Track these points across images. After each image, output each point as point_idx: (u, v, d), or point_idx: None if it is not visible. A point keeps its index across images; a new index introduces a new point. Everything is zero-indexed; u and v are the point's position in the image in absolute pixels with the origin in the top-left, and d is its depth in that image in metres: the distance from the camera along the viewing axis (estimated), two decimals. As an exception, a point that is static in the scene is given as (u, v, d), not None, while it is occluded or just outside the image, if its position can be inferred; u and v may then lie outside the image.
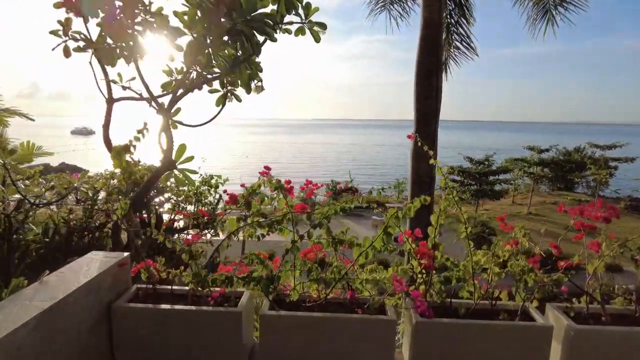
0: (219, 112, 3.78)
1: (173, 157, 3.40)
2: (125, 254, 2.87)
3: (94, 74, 3.28)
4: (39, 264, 3.82)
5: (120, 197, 3.99)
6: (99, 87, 3.53)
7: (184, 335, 2.54)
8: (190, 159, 3.68)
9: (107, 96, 3.47)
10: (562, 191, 28.76)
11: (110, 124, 3.47)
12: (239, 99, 3.87)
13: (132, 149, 3.10)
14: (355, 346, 2.49)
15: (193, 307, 2.57)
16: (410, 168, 7.51)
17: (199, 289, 2.53)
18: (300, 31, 3.27)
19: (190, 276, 2.47)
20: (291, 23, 3.18)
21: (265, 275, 2.50)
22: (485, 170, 23.87)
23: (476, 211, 25.40)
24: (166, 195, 5.83)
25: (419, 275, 2.73)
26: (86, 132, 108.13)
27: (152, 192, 5.57)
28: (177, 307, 2.57)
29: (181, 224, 5.62)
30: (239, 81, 3.58)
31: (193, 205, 5.71)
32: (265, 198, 2.90)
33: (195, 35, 3.02)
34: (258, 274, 2.47)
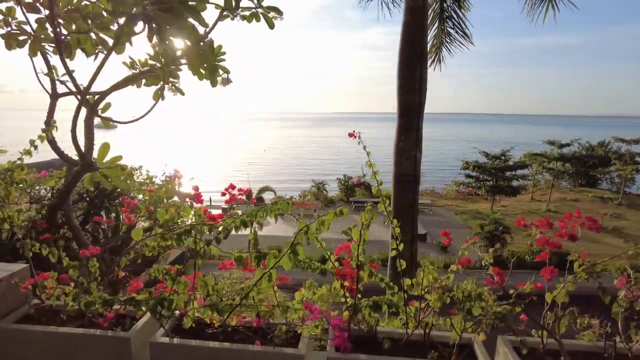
0: (152, 107, 3.43)
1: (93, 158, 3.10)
2: (24, 266, 2.57)
3: (34, 67, 3.05)
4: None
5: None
6: (39, 81, 3.29)
7: (70, 363, 2.23)
8: (118, 159, 3.37)
9: (50, 91, 3.23)
10: (585, 187, 27.43)
11: (52, 119, 3.22)
12: (181, 92, 3.53)
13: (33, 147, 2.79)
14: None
15: (80, 330, 2.25)
16: (393, 166, 7.00)
17: (83, 308, 2.20)
18: (253, 16, 2.90)
19: (71, 297, 2.14)
20: (247, 9, 2.83)
21: (158, 296, 2.15)
22: (501, 165, 22.91)
23: (492, 208, 24.49)
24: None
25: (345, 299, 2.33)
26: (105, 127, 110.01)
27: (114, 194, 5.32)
28: (63, 329, 2.27)
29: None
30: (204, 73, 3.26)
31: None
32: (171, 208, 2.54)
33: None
34: (144, 296, 2.12)
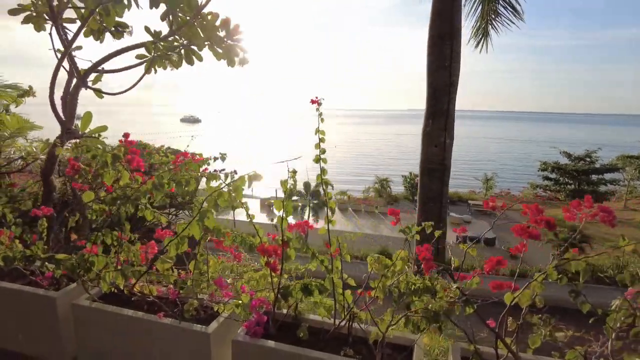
0: (140, 78, 3.46)
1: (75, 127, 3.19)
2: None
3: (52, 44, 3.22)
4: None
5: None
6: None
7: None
8: (103, 129, 3.44)
9: (68, 69, 3.38)
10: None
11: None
12: (176, 66, 3.52)
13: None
14: (166, 353, 1.98)
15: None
16: (420, 155, 6.34)
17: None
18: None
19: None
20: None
21: (78, 257, 2.10)
22: (585, 167, 20.40)
23: (573, 215, 21.88)
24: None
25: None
26: (193, 120, 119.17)
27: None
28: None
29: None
30: (219, 54, 3.26)
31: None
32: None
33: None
34: (65, 256, 2.07)
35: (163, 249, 1.96)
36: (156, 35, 3.31)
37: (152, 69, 3.42)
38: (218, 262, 2.63)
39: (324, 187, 2.15)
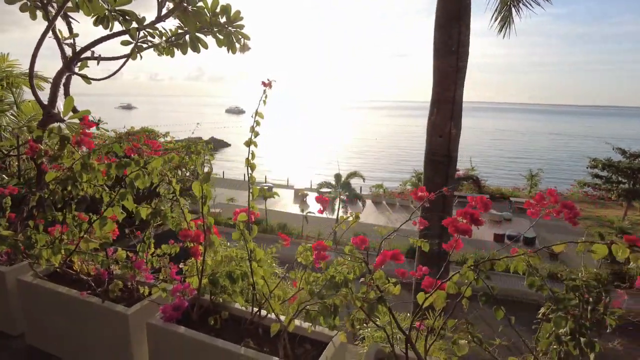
0: (123, 64, 3.53)
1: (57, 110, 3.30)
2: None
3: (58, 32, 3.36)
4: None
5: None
6: (60, 47, 3.61)
7: None
8: (86, 112, 3.54)
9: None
10: None
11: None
12: (166, 53, 3.56)
13: None
14: (92, 333, 2.02)
15: None
16: (425, 144, 5.96)
17: None
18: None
19: None
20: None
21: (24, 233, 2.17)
22: (641, 165, 18.71)
23: (625, 215, 20.23)
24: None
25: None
26: (237, 111, 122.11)
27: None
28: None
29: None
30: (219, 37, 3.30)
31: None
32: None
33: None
34: (9, 233, 2.15)
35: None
36: (139, 21, 3.36)
37: (138, 54, 3.47)
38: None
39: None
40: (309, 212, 21.53)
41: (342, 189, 21.05)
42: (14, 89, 5.68)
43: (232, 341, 1.73)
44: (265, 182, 29.23)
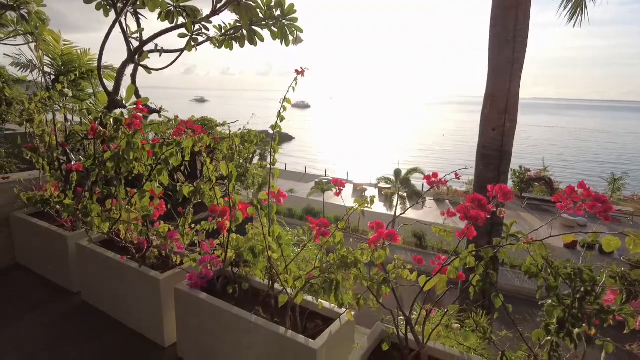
0: (178, 56, 3.81)
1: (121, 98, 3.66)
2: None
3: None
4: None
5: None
6: (126, 40, 4.01)
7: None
8: (145, 100, 3.87)
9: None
10: None
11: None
12: (226, 46, 3.80)
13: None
14: (131, 294, 2.27)
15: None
16: (478, 138, 5.59)
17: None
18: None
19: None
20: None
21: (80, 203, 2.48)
22: None
23: None
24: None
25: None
26: (303, 106, 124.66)
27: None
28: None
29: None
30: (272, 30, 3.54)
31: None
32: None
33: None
34: (69, 201, 2.47)
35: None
36: (195, 14, 3.60)
37: (194, 47, 3.73)
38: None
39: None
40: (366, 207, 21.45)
41: (401, 185, 20.70)
42: (93, 81, 6.39)
43: (249, 311, 1.85)
44: (325, 176, 29.67)
